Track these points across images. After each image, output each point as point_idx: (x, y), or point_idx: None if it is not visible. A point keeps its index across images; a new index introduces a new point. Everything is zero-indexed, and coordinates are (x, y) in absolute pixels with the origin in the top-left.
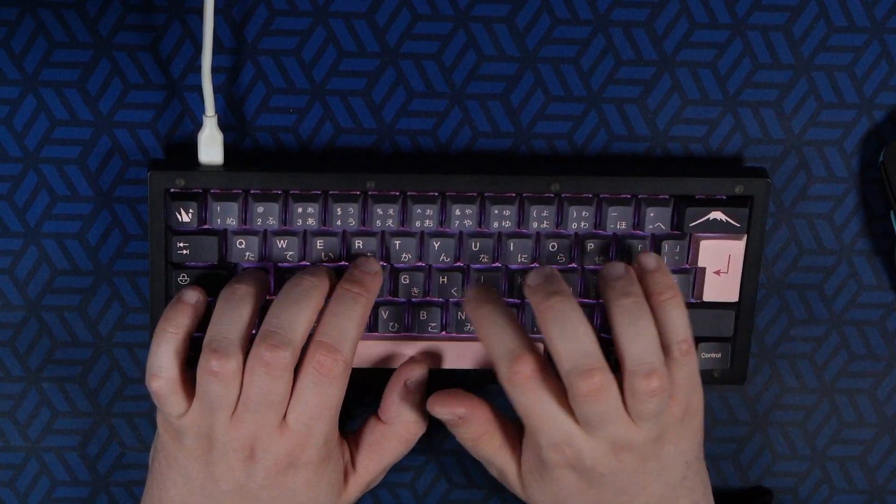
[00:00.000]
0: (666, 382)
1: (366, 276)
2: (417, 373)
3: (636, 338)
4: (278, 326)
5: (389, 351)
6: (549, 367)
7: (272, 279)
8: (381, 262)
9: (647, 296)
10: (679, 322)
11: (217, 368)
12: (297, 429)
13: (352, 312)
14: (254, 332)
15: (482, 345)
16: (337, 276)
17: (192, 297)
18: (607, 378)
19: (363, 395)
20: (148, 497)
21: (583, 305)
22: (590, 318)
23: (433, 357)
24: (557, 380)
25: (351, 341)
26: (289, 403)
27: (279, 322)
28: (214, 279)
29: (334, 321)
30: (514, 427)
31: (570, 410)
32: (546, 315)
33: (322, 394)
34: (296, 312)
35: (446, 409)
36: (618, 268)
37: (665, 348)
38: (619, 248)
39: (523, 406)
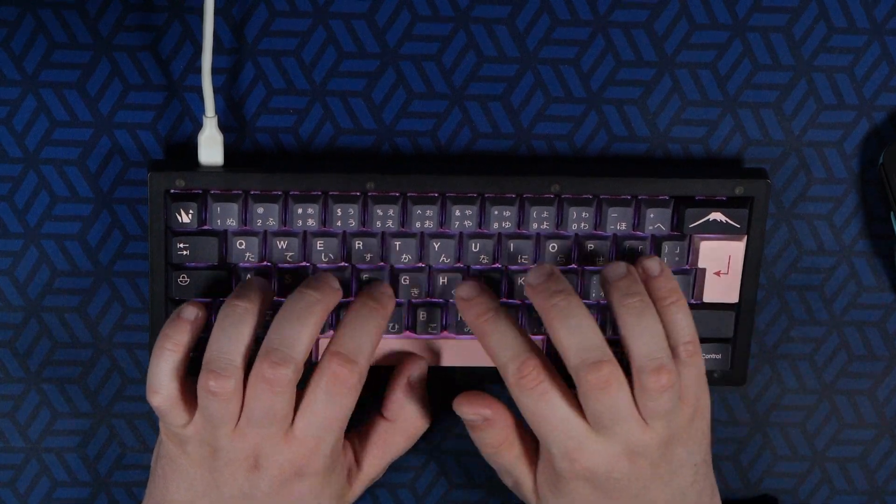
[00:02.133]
0: (675, 378)
1: (383, 295)
2: (419, 368)
3: (643, 334)
4: (280, 343)
5: (388, 351)
6: (556, 371)
7: (272, 280)
8: (381, 263)
9: (652, 301)
10: (684, 324)
11: (216, 389)
12: (305, 439)
13: (369, 325)
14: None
15: (485, 352)
16: (340, 282)
17: (191, 313)
18: (616, 370)
19: (363, 394)
20: (150, 500)
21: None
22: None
23: (433, 358)
24: (566, 383)
25: (366, 354)
26: (298, 412)
27: (281, 339)
28: (214, 280)
29: (351, 332)
30: (532, 440)
31: (580, 414)
32: (550, 313)
33: (335, 405)
34: (298, 329)
35: (473, 409)
36: (620, 268)
37: (671, 350)
38: (619, 249)
39: (533, 411)
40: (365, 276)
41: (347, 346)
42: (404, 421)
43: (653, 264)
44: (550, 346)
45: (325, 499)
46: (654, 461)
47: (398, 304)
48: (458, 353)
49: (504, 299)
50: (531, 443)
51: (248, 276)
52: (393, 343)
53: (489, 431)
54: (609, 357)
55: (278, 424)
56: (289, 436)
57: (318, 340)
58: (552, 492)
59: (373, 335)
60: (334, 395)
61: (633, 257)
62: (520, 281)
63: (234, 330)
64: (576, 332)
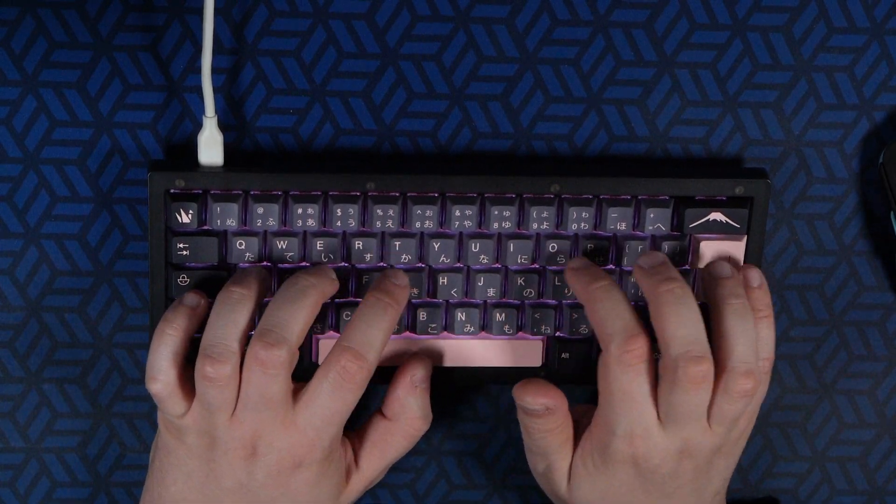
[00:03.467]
0: (758, 386)
1: (397, 288)
2: (422, 369)
3: (742, 337)
4: (274, 325)
5: (390, 351)
6: (653, 356)
7: (273, 280)
8: (381, 263)
9: None
10: (769, 341)
11: (212, 374)
12: (306, 429)
13: (381, 321)
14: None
15: (588, 316)
16: (338, 276)
17: (193, 300)
18: (712, 371)
19: (363, 393)
20: (148, 494)
21: None
22: None
23: (433, 358)
24: (655, 372)
25: (377, 349)
26: (301, 401)
27: (275, 320)
28: (214, 280)
29: (363, 328)
30: (576, 426)
31: (656, 405)
32: (663, 297)
33: (340, 398)
34: (292, 311)
35: (537, 399)
36: (726, 268)
37: None
38: (619, 249)
39: (621, 386)
40: (365, 278)
41: (358, 341)
42: (404, 421)
43: (755, 275)
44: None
45: (322, 492)
46: (699, 466)
47: None
48: (458, 353)
49: (504, 300)
50: (575, 430)
51: (246, 265)
52: (394, 343)
53: (549, 419)
54: (710, 356)
55: (275, 409)
56: (289, 425)
57: (318, 341)
58: (592, 471)
59: (384, 331)
60: (340, 390)
61: (713, 265)
62: (519, 281)
63: (230, 316)
64: (686, 323)
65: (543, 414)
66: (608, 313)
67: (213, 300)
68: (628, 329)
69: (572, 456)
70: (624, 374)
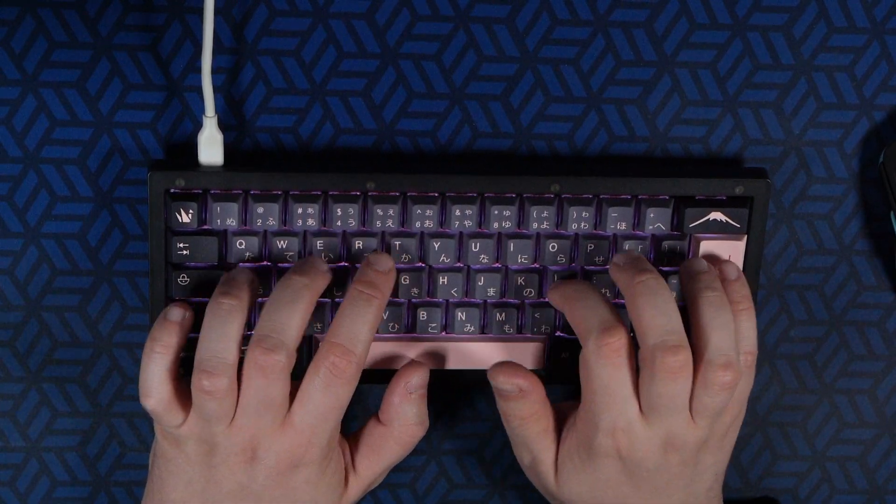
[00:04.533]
0: (738, 379)
1: (379, 276)
2: (418, 376)
3: (719, 328)
4: (271, 330)
5: (389, 351)
6: (633, 350)
7: (273, 280)
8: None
9: None
10: (750, 334)
11: (209, 388)
12: (302, 428)
13: (365, 315)
14: (250, 333)
15: (568, 318)
16: (337, 276)
17: (177, 314)
18: (690, 360)
19: (363, 394)
20: (148, 501)
21: None
22: None
23: (433, 358)
24: (636, 365)
25: (364, 343)
26: (295, 402)
27: (272, 325)
28: (214, 280)
29: (348, 322)
30: (557, 414)
31: (638, 398)
32: (637, 289)
33: (332, 395)
34: (288, 314)
35: (510, 379)
36: (702, 263)
37: None
38: (619, 249)
39: (601, 380)
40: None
41: (344, 336)
42: (399, 427)
43: (731, 269)
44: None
45: (322, 490)
46: (685, 460)
47: (398, 304)
48: (458, 353)
49: (504, 299)
50: (556, 419)
51: (233, 270)
52: (393, 345)
53: (522, 402)
54: (687, 346)
55: (274, 413)
56: (285, 426)
57: (317, 340)
58: (579, 466)
59: (370, 323)
60: (331, 386)
61: (690, 262)
62: (519, 281)
63: (222, 328)
64: (662, 313)
65: (517, 396)
66: (585, 310)
67: (199, 304)
68: (605, 322)
69: (557, 449)
70: (603, 368)
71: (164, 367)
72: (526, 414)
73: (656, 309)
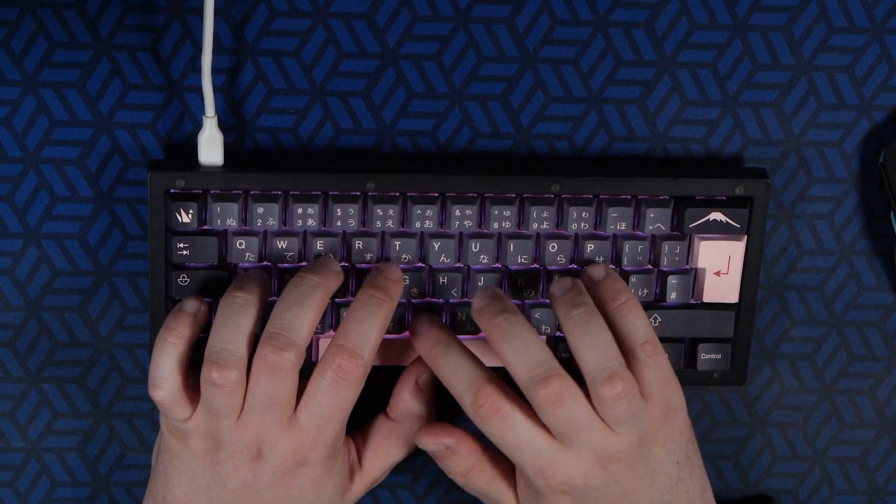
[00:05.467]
0: (630, 384)
1: (390, 283)
2: (428, 371)
3: (591, 345)
4: (282, 328)
5: (395, 351)
6: (515, 395)
7: (273, 280)
8: (383, 260)
9: (602, 304)
10: (638, 324)
11: (219, 380)
12: (308, 429)
13: (374, 318)
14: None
15: (445, 384)
16: (342, 269)
17: (193, 306)
18: (566, 382)
19: (365, 392)
20: (151, 497)
21: None
22: None
23: None
24: (526, 404)
25: (371, 347)
26: (301, 402)
27: (283, 323)
28: (215, 280)
29: (356, 325)
30: (506, 460)
31: (546, 430)
32: (495, 334)
33: (338, 396)
34: (299, 313)
35: (432, 439)
36: (565, 283)
37: (630, 352)
38: (619, 249)
39: (498, 437)
40: (365, 278)
41: (353, 339)
42: (408, 423)
43: (596, 270)
44: (567, 349)
45: (326, 490)
46: (630, 464)
47: (399, 305)
48: None
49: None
50: (505, 464)
51: (246, 269)
52: (399, 343)
53: (454, 459)
54: (557, 370)
55: (281, 411)
56: (291, 425)
57: (318, 341)
58: None
59: (378, 327)
60: (338, 388)
61: (583, 271)
62: (519, 281)
63: (235, 321)
64: (521, 351)
65: (446, 455)
66: (450, 376)
67: (213, 300)
68: (472, 385)
69: (515, 491)
70: (492, 427)
71: (176, 358)
72: (465, 468)
73: (516, 348)
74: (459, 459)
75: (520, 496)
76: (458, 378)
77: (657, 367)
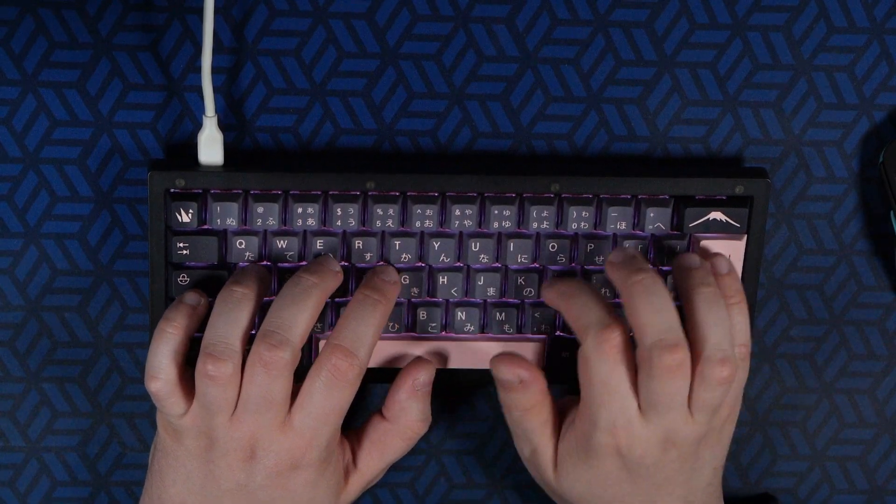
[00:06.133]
0: (734, 374)
1: (386, 284)
2: (426, 373)
3: (715, 324)
4: (278, 326)
5: (388, 351)
6: (631, 347)
7: (273, 280)
8: (381, 262)
9: (687, 291)
10: (743, 327)
11: (213, 373)
12: (302, 430)
13: (370, 318)
14: (254, 332)
15: (565, 315)
16: (342, 269)
17: (193, 299)
18: (688, 359)
19: (362, 392)
20: (147, 495)
21: None
22: None
23: (433, 357)
24: (634, 363)
25: (367, 347)
26: (295, 403)
27: (279, 321)
28: (214, 279)
29: (353, 325)
30: (558, 408)
31: (637, 395)
32: (633, 289)
33: (333, 397)
34: (295, 312)
35: (511, 370)
36: (695, 259)
37: None
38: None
39: (600, 377)
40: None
41: (348, 339)
42: (404, 423)
43: (722, 263)
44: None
45: (321, 491)
46: (684, 455)
47: (399, 304)
48: (457, 352)
49: (504, 299)
50: (556, 413)
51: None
52: (396, 344)
53: (523, 393)
54: (685, 344)
55: (275, 411)
56: (286, 426)
57: (317, 341)
58: (578, 462)
59: (374, 328)
60: (333, 389)
61: (676, 257)
62: (519, 281)
63: (232, 314)
64: (658, 312)
65: (518, 388)
66: (583, 307)
67: (213, 299)
68: (603, 320)
69: (556, 443)
70: (602, 365)
71: (173, 349)
72: (527, 405)
73: (653, 307)
74: (528, 395)
75: (563, 447)
76: (588, 309)
77: (743, 372)
